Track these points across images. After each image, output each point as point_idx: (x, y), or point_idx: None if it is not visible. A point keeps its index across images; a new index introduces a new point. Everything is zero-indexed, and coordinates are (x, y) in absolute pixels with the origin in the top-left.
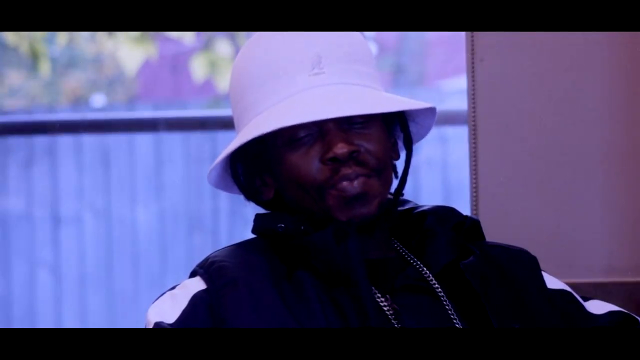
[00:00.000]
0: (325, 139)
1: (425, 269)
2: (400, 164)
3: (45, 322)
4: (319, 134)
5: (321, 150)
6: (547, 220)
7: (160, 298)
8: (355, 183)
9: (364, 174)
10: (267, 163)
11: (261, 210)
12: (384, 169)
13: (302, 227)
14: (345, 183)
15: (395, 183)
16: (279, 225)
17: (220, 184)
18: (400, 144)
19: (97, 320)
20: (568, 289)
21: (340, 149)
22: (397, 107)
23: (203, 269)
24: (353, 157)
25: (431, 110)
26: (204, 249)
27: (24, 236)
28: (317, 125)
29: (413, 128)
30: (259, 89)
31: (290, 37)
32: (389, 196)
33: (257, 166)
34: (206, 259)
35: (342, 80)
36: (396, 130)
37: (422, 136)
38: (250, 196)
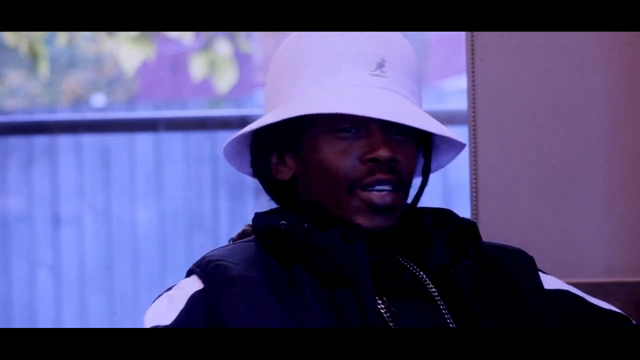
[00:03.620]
0: (370, 139)
1: (421, 272)
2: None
3: (45, 322)
4: (364, 134)
5: (363, 149)
6: (547, 221)
7: (157, 300)
8: (387, 197)
9: (395, 183)
10: (297, 144)
11: (260, 208)
12: (409, 185)
13: (305, 225)
14: (376, 194)
15: None
16: (281, 222)
17: (232, 156)
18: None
19: (97, 320)
20: (566, 287)
21: (384, 152)
22: (446, 133)
23: (200, 268)
24: (390, 165)
25: (456, 149)
26: (204, 249)
27: (24, 236)
28: (364, 124)
29: (431, 162)
30: (315, 68)
31: (360, 33)
32: None
33: (283, 144)
34: (202, 258)
35: (399, 91)
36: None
37: (433, 171)
38: (260, 172)
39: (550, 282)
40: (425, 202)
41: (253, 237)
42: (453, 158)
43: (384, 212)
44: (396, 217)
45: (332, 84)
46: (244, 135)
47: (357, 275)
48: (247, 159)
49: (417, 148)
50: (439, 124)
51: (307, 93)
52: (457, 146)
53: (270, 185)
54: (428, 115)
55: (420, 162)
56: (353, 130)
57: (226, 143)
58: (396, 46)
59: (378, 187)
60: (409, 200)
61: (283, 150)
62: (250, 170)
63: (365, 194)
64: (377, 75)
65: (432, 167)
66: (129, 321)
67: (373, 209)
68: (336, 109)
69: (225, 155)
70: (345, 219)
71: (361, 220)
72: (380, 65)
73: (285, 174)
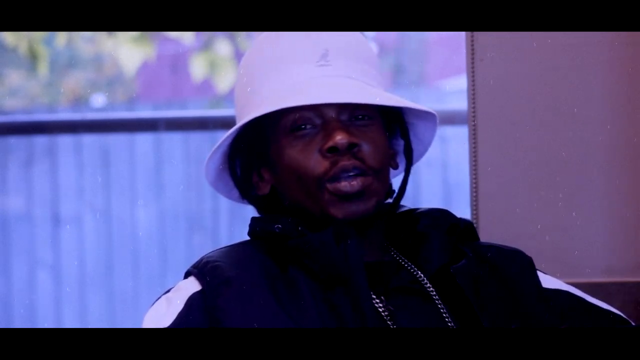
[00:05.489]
0: (326, 130)
1: (419, 271)
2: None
3: (45, 322)
4: (321, 127)
5: (321, 141)
6: (547, 221)
7: (156, 303)
8: (354, 182)
9: (362, 169)
10: (266, 155)
11: (256, 212)
12: (381, 170)
13: (300, 228)
14: (343, 183)
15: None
16: (276, 226)
17: (218, 183)
18: (400, 157)
19: (97, 320)
20: (566, 287)
21: (341, 139)
22: (399, 104)
23: (197, 269)
24: (353, 152)
25: (432, 124)
26: (204, 249)
27: (24, 236)
28: (319, 117)
29: (414, 143)
30: (263, 77)
31: (299, 33)
32: (389, 200)
33: (256, 159)
34: (200, 260)
35: (347, 74)
36: (397, 141)
37: (421, 153)
38: (245, 192)
39: (549, 281)
40: (425, 202)
41: (250, 239)
42: (434, 133)
43: (356, 198)
44: (371, 203)
45: (281, 84)
46: (223, 161)
47: (351, 274)
48: (232, 185)
49: (391, 131)
50: (391, 96)
51: (257, 101)
52: (430, 119)
53: (257, 203)
54: (378, 90)
55: (401, 145)
56: (309, 126)
57: (205, 170)
58: (338, 35)
59: (344, 176)
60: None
61: (259, 166)
62: (237, 196)
63: (332, 185)
64: (322, 65)
65: (417, 147)
66: (129, 321)
67: (342, 197)
68: (276, 107)
69: (212, 185)
70: (323, 214)
71: (335, 211)
72: (325, 56)
73: (264, 188)
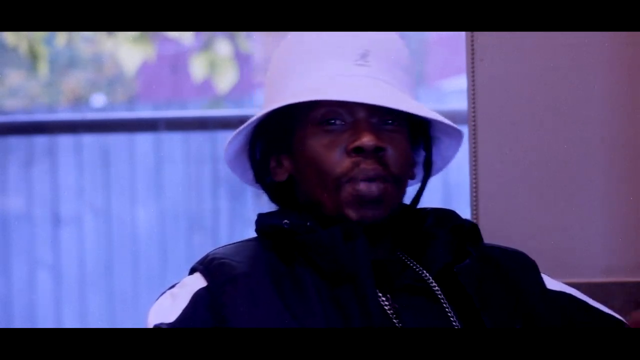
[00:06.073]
0: (355, 129)
1: (424, 270)
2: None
3: (45, 322)
4: (351, 125)
5: (348, 139)
6: (547, 221)
7: (161, 298)
8: (374, 187)
9: (383, 175)
10: (289, 142)
11: (258, 209)
12: (401, 179)
13: (308, 223)
14: (363, 185)
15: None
16: (284, 221)
17: (234, 163)
18: (417, 169)
19: (97, 320)
20: (569, 290)
21: (368, 141)
22: (432, 116)
23: (203, 266)
24: (378, 155)
25: (457, 141)
26: (204, 249)
27: (24, 236)
28: (350, 115)
29: (435, 157)
30: (302, 65)
31: (342, 31)
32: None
33: (278, 144)
34: (206, 256)
35: (384, 78)
36: (418, 152)
37: (439, 169)
38: (261, 177)
39: (552, 284)
40: (425, 202)
41: (257, 236)
42: (456, 150)
43: (373, 203)
44: (387, 210)
45: (318, 75)
46: (243, 142)
47: (358, 272)
48: (248, 167)
49: (414, 142)
50: (424, 107)
51: (291, 89)
52: (456, 136)
53: (271, 189)
54: (412, 100)
55: (422, 157)
56: (339, 122)
57: (225, 151)
58: (380, 37)
59: (363, 178)
60: (413, 196)
61: (279, 153)
62: (251, 178)
63: (350, 186)
64: (361, 65)
65: (437, 162)
66: (129, 321)
67: (361, 201)
68: (307, 97)
69: (229, 164)
70: (339, 213)
71: (350, 212)
72: (364, 56)
73: (281, 175)
